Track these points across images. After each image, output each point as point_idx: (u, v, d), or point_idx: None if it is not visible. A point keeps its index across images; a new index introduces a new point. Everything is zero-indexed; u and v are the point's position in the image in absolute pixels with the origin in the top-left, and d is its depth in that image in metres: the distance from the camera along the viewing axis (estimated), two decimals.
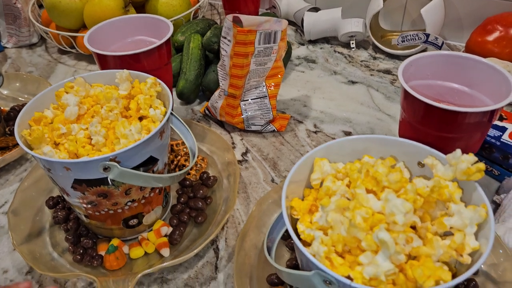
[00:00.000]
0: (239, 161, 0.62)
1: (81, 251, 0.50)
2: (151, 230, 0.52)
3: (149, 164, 0.46)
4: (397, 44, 0.76)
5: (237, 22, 0.60)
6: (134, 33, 0.66)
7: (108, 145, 0.44)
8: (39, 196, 0.57)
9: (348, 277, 0.31)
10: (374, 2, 0.80)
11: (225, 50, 0.61)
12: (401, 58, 0.82)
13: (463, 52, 0.65)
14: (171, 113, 0.49)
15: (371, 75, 0.78)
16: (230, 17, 0.60)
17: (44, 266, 0.47)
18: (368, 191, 0.35)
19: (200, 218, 0.53)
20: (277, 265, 0.36)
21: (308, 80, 0.78)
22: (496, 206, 0.53)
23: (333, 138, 0.65)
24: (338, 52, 0.85)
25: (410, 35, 0.74)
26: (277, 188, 0.54)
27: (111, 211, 0.47)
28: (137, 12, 0.83)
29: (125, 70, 0.50)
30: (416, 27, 0.86)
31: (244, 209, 0.56)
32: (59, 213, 0.53)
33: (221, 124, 0.69)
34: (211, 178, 0.57)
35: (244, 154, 0.64)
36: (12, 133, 0.67)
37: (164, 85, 0.49)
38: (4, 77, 0.65)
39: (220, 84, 0.65)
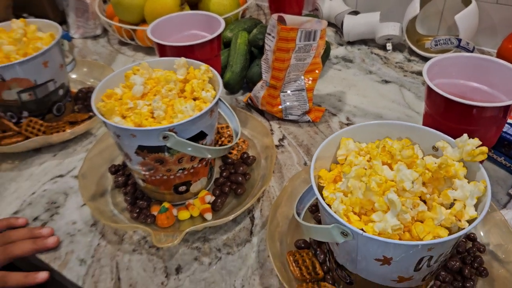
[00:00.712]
0: (276, 146, 0.69)
1: (137, 210, 0.58)
2: (197, 197, 0.60)
3: (199, 138, 0.53)
4: (431, 48, 0.81)
5: (281, 21, 0.68)
6: (189, 28, 0.74)
7: (167, 119, 0.52)
8: (103, 164, 0.66)
9: (361, 230, 0.37)
10: (411, 7, 0.85)
11: (269, 46, 0.69)
12: None
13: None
14: (219, 98, 0.57)
15: (404, 75, 0.83)
16: (275, 16, 0.67)
17: (107, 219, 0.56)
18: (384, 163, 0.41)
19: (239, 190, 0.60)
20: (304, 222, 0.43)
21: (344, 77, 0.84)
22: (510, 197, 0.57)
23: None
24: (375, 54, 0.91)
25: (443, 39, 0.78)
26: (308, 169, 0.61)
27: (164, 177, 0.55)
28: (191, 10, 0.92)
29: (182, 58, 0.58)
30: (452, 33, 0.91)
31: (278, 186, 0.63)
32: (119, 178, 0.62)
33: (261, 112, 0.77)
34: (251, 157, 0.65)
35: (281, 140, 0.71)
36: (79, 111, 0.77)
37: (215, 72, 0.57)
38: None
39: (263, 76, 0.72)
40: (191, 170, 0.57)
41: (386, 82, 0.82)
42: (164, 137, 0.50)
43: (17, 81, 0.65)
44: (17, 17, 1.05)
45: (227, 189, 0.61)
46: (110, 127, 0.51)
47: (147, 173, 0.55)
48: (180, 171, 0.55)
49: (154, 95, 0.55)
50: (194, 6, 0.95)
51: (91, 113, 0.75)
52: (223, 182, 0.62)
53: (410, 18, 0.85)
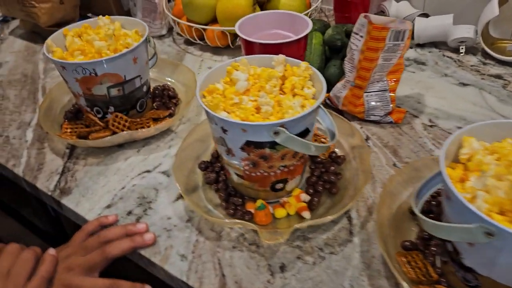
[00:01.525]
0: (357, 146, 0.68)
1: (232, 207, 0.58)
2: (290, 195, 0.59)
3: (304, 134, 0.53)
4: (510, 50, 0.79)
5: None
6: (272, 27, 0.74)
7: (274, 114, 0.52)
8: (189, 160, 0.66)
9: None
10: (489, 9, 0.84)
11: (355, 45, 0.68)
12: (511, 64, 0.85)
13: None
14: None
15: (482, 79, 0.82)
16: (363, 15, 0.67)
17: (206, 214, 0.56)
18: None
19: (334, 190, 0.59)
20: (433, 221, 0.42)
21: (419, 80, 0.83)
22: None
23: (449, 133, 0.70)
24: (447, 57, 0.89)
25: None
26: (400, 172, 0.59)
27: (265, 173, 0.55)
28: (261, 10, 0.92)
29: (281, 55, 0.58)
30: None
31: (371, 186, 0.62)
32: (210, 175, 0.62)
33: (340, 113, 0.76)
34: (340, 157, 0.64)
35: (363, 139, 0.70)
36: (158, 108, 0.77)
37: (315, 69, 0.57)
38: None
39: (346, 76, 0.72)
40: (291, 167, 0.56)
41: (464, 85, 0.81)
42: (275, 133, 0.49)
43: (108, 76, 0.65)
44: (83, 17, 1.07)
45: (320, 188, 0.60)
46: (218, 121, 0.51)
47: (248, 168, 0.55)
48: (282, 167, 0.55)
49: (258, 91, 0.54)
50: (261, 6, 0.95)
51: (171, 110, 0.76)
52: (315, 181, 0.61)
53: (487, 20, 0.83)
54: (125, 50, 0.65)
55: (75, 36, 0.71)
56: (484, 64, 0.86)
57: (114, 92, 0.68)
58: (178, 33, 1.05)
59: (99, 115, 0.71)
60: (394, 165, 0.65)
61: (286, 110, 0.51)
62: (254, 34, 0.73)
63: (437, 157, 0.60)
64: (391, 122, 0.73)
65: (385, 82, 0.72)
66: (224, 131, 0.52)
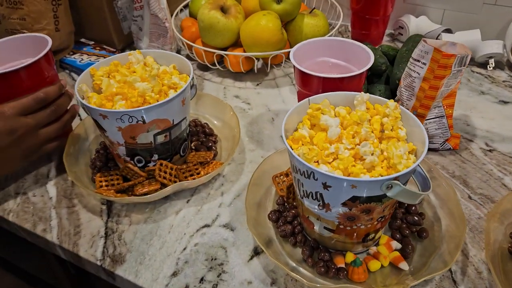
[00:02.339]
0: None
1: (321, 263, 0.52)
2: (378, 244, 0.55)
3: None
4: None
5: None
6: (319, 54, 0.69)
7: (379, 164, 0.47)
8: (253, 209, 0.59)
9: None
10: None
11: (417, 73, 0.64)
12: None
13: None
14: None
15: None
16: (426, 40, 0.63)
17: (295, 273, 0.49)
18: None
19: (424, 234, 0.55)
20: None
21: (460, 99, 0.81)
22: None
23: (511, 157, 0.68)
24: (476, 72, 0.88)
25: None
26: (494, 211, 0.56)
27: (362, 226, 0.50)
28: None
29: (366, 93, 0.53)
30: None
31: (452, 224, 0.58)
32: (285, 227, 0.56)
33: None
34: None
35: (428, 170, 0.66)
36: (197, 148, 0.69)
37: (404, 109, 0.52)
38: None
39: (404, 105, 0.68)
40: (387, 216, 0.51)
41: (505, 102, 0.80)
42: (388, 187, 0.44)
43: (157, 122, 0.57)
44: (77, 43, 0.96)
45: (407, 231, 0.56)
46: (321, 177, 0.45)
47: (343, 222, 0.49)
48: (380, 218, 0.50)
49: (352, 137, 0.49)
50: (284, 27, 0.89)
51: (214, 151, 0.68)
52: (400, 224, 0.57)
53: None
54: (175, 94, 0.57)
55: (105, 75, 0.62)
56: None
57: (161, 138, 0.60)
58: (188, 57, 0.97)
59: (140, 164, 0.62)
60: (470, 197, 0.62)
61: (393, 159, 0.46)
62: (303, 63, 0.68)
63: None
64: (450, 149, 0.70)
65: (441, 107, 0.68)
66: (327, 187, 0.46)
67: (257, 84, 0.87)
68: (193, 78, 0.63)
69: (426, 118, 0.68)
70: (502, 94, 0.82)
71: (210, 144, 0.70)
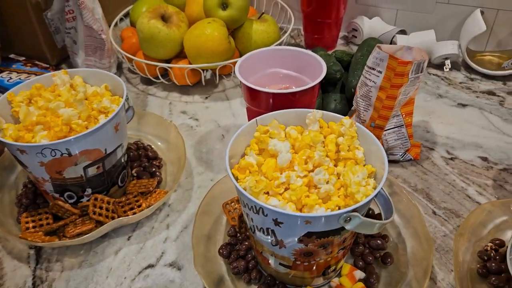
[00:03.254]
0: (388, 193, 0.60)
1: None
2: (341, 275, 0.50)
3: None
4: (506, 67, 0.77)
5: None
6: (269, 65, 0.63)
7: (335, 193, 0.42)
8: (202, 242, 0.53)
9: None
10: (474, 24, 0.80)
11: (373, 82, 0.60)
12: (497, 78, 0.83)
13: None
14: None
15: (477, 97, 0.79)
16: (380, 47, 0.59)
17: None
18: None
19: (388, 260, 0.51)
20: None
21: (417, 104, 0.77)
22: None
23: (473, 165, 0.65)
24: (433, 74, 0.85)
25: None
26: (462, 230, 0.52)
27: (321, 261, 0.45)
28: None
29: (319, 110, 0.48)
30: (501, 48, 0.88)
31: (415, 242, 0.53)
32: (238, 263, 0.50)
33: None
34: (377, 215, 0.56)
35: (389, 186, 0.62)
36: (138, 175, 0.62)
37: (361, 126, 0.47)
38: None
39: (361, 115, 0.64)
40: (347, 247, 0.46)
41: (463, 105, 0.77)
42: (346, 220, 0.39)
43: (86, 153, 0.50)
44: (5, 60, 0.87)
45: (370, 258, 0.51)
46: (270, 213, 0.40)
47: (299, 258, 0.44)
48: (340, 250, 0.45)
49: (305, 163, 0.44)
50: (232, 34, 0.84)
51: (158, 177, 0.62)
52: (362, 250, 0.52)
53: (474, 36, 0.80)
54: (105, 120, 0.50)
55: (25, 101, 0.54)
56: (472, 80, 0.83)
57: (92, 171, 0.53)
58: (130, 70, 0.90)
59: (72, 200, 0.55)
60: (434, 213, 0.58)
61: (350, 187, 0.41)
62: (251, 76, 0.62)
63: (484, 204, 0.54)
64: (411, 159, 0.66)
65: (400, 116, 0.65)
66: (278, 223, 0.40)
67: (206, 98, 0.81)
68: (127, 99, 0.56)
69: (385, 129, 0.64)
70: (459, 96, 0.79)
71: (154, 169, 0.63)
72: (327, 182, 0.42)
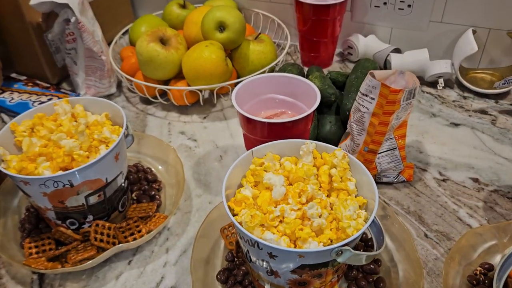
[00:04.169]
0: (381, 216, 0.62)
1: None
2: None
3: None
4: (497, 87, 0.78)
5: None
6: (265, 91, 0.65)
7: (327, 226, 0.43)
8: (200, 267, 0.54)
9: None
10: (466, 44, 0.82)
11: (366, 108, 0.62)
12: (490, 96, 0.84)
13: None
14: None
15: (469, 116, 0.80)
16: (372, 74, 0.60)
17: None
18: None
19: (381, 284, 0.52)
20: None
21: (410, 123, 0.79)
22: None
23: (464, 186, 0.66)
24: (426, 92, 0.87)
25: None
26: (452, 255, 0.54)
27: None
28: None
29: (312, 141, 0.50)
30: (494, 65, 0.89)
31: (409, 268, 0.55)
32: None
33: None
34: (370, 239, 0.57)
35: (383, 208, 0.64)
36: (138, 199, 0.64)
37: (353, 157, 0.49)
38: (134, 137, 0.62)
39: (355, 139, 0.65)
40: (340, 275, 0.48)
41: (456, 125, 0.79)
42: (338, 253, 0.41)
43: (87, 183, 0.52)
44: (7, 79, 0.89)
45: (363, 282, 0.53)
46: (265, 248, 0.41)
47: (295, 287, 0.46)
48: (333, 279, 0.47)
49: (299, 196, 0.45)
50: (229, 55, 0.85)
51: (157, 201, 0.63)
52: (356, 275, 0.54)
53: (466, 55, 0.82)
54: (106, 151, 0.52)
55: (27, 131, 0.56)
56: (465, 98, 0.85)
57: (94, 199, 0.54)
58: (130, 89, 0.91)
59: (74, 227, 0.57)
60: (426, 236, 0.60)
61: (342, 221, 0.43)
62: (248, 102, 0.64)
63: (476, 228, 0.56)
64: (404, 181, 0.67)
65: (393, 139, 0.66)
66: (273, 256, 0.42)
67: (204, 117, 0.83)
68: (127, 128, 0.58)
69: (378, 152, 0.65)
70: (452, 115, 0.81)
71: (153, 192, 0.65)
72: (320, 216, 0.43)
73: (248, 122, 0.58)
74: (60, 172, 0.49)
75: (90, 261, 0.53)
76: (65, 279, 0.56)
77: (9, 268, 0.58)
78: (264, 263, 0.44)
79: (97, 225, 0.56)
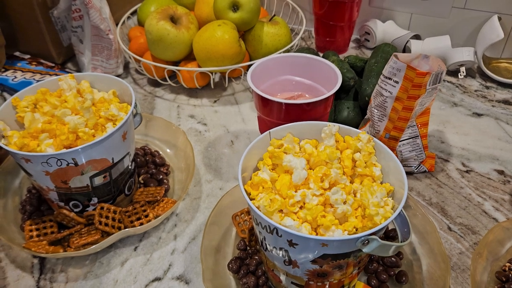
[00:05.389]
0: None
1: None
2: None
3: None
4: None
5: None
6: (281, 72, 0.62)
7: (352, 214, 0.40)
8: (210, 255, 0.51)
9: None
10: (491, 31, 0.78)
11: (389, 92, 0.58)
12: None
13: None
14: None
15: (493, 106, 0.77)
16: (396, 56, 0.57)
17: None
18: None
19: (404, 278, 0.49)
20: None
21: (432, 112, 0.75)
22: None
23: (489, 179, 0.63)
24: (447, 81, 0.83)
25: None
26: (480, 250, 0.50)
27: (335, 281, 0.43)
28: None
29: (335, 124, 0.46)
30: None
31: (433, 262, 0.52)
32: (248, 279, 0.49)
33: None
34: (391, 230, 0.54)
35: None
36: (145, 182, 0.61)
37: (378, 141, 0.45)
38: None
39: (375, 126, 0.62)
40: (361, 267, 0.45)
41: (478, 115, 0.75)
42: (364, 243, 0.37)
43: (93, 163, 0.49)
44: (10, 57, 0.86)
45: (384, 276, 0.50)
46: (285, 234, 0.38)
47: (313, 278, 0.42)
48: (354, 271, 0.43)
49: (321, 181, 0.42)
50: (242, 36, 0.82)
51: (165, 185, 0.60)
52: (376, 267, 0.50)
53: (491, 43, 0.78)
54: (114, 129, 0.48)
55: (30, 106, 0.53)
56: (487, 88, 0.81)
57: (99, 180, 0.51)
58: (137, 71, 0.88)
59: (77, 209, 0.53)
60: (449, 228, 0.56)
61: (368, 208, 0.40)
62: (263, 83, 0.60)
63: (503, 222, 0.53)
64: (425, 171, 0.64)
65: (415, 127, 0.63)
66: (293, 244, 0.39)
67: (215, 101, 0.79)
68: (136, 106, 0.55)
69: (400, 140, 0.62)
70: (474, 105, 0.77)
71: (161, 176, 0.62)
72: (344, 203, 0.40)
73: (264, 103, 0.55)
74: (64, 150, 0.46)
75: (94, 246, 0.50)
76: (67, 264, 0.53)
77: (8, 251, 0.55)
78: (282, 251, 0.41)
79: (102, 208, 0.53)
